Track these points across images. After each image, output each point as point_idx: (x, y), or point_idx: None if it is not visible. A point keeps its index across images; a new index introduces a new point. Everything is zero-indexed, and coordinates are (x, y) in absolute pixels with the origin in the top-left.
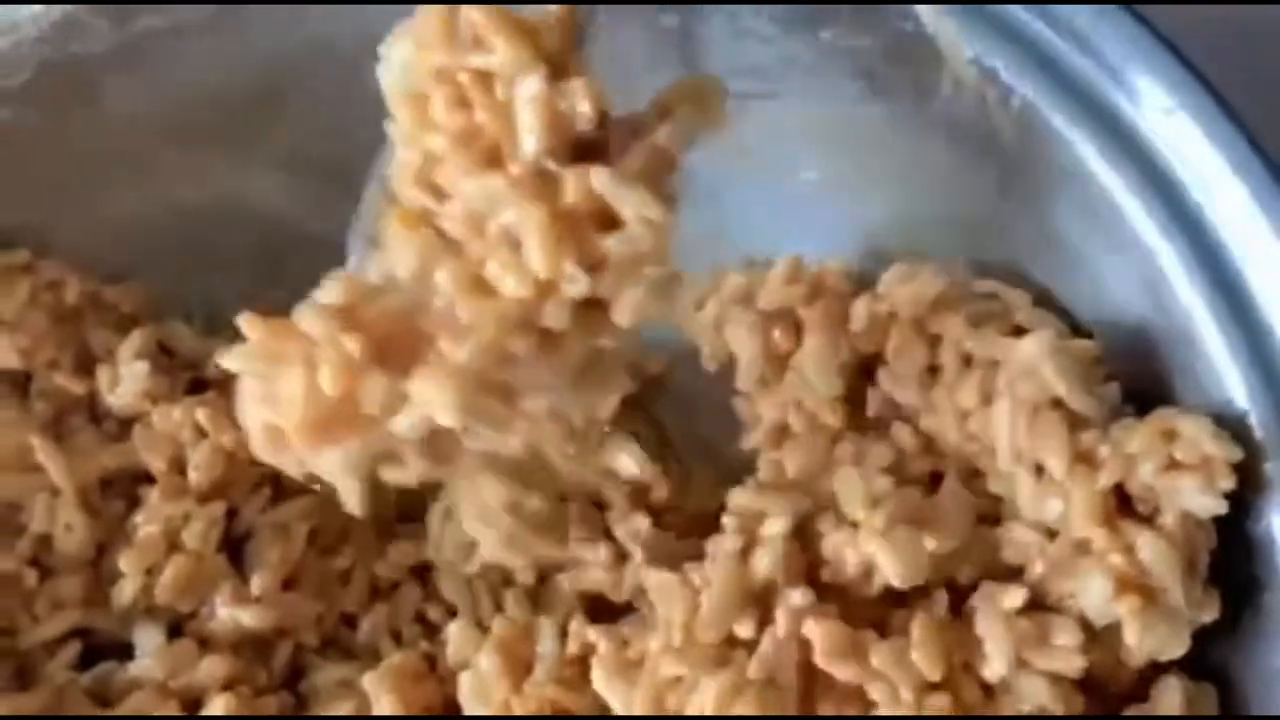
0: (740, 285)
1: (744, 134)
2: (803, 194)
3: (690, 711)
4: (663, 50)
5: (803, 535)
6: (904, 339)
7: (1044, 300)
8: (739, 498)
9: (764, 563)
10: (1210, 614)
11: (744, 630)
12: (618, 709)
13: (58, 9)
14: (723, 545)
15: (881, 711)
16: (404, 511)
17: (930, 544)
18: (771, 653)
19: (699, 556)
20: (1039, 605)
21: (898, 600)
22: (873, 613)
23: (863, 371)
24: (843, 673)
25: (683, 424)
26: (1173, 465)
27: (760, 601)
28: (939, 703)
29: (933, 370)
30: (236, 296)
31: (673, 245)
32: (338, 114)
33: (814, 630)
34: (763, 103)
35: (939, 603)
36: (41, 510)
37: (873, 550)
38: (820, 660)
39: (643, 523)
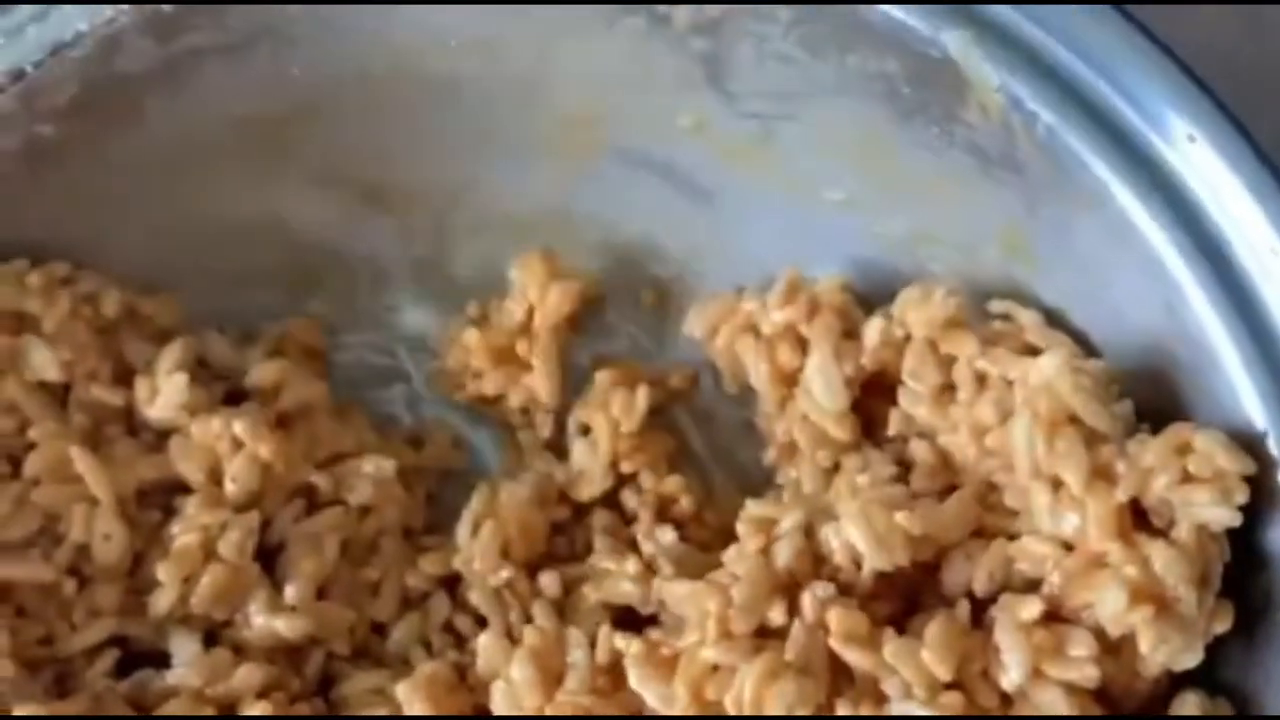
0: (747, 314)
1: (767, 155)
2: (825, 213)
3: (729, 698)
4: (691, 72)
5: (811, 543)
6: (918, 359)
7: (1056, 320)
8: (751, 510)
9: (784, 554)
10: (1223, 625)
11: (776, 616)
12: (655, 705)
13: (103, 29)
14: (743, 547)
15: (894, 707)
16: (432, 523)
17: (904, 523)
18: (802, 638)
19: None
20: (1056, 617)
21: (920, 606)
22: (895, 615)
23: (873, 389)
24: (856, 659)
25: (706, 437)
26: (1187, 479)
27: (787, 592)
28: (951, 701)
29: (947, 389)
30: (270, 310)
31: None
32: (373, 133)
33: (833, 615)
34: (786, 124)
35: (961, 612)
36: (80, 520)
37: (850, 531)
38: (835, 644)
39: (669, 535)
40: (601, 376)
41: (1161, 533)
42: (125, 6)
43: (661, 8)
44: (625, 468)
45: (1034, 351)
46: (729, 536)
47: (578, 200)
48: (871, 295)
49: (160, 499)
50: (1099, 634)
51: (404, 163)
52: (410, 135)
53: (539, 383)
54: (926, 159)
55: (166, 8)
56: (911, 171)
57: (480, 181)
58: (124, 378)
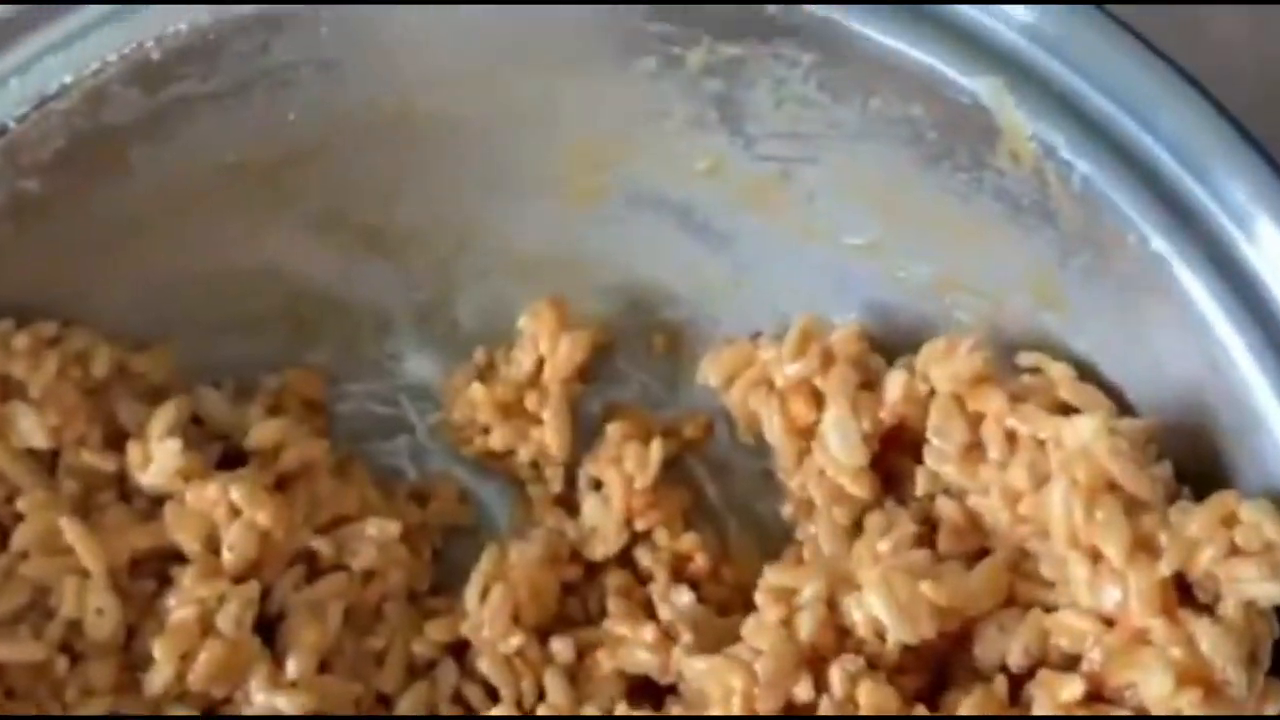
0: (762, 365)
1: (786, 198)
2: (846, 257)
3: None
4: (705, 114)
5: (833, 614)
6: (943, 416)
7: (1088, 373)
8: (770, 578)
9: (806, 626)
10: (1275, 707)
11: (803, 692)
12: None
13: (89, 80)
14: (763, 618)
15: None
16: (438, 582)
17: (929, 592)
18: (832, 715)
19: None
20: (1097, 696)
21: (952, 680)
22: (924, 690)
23: (894, 441)
24: None
25: (722, 488)
26: (1234, 551)
27: (811, 666)
28: None
29: (975, 447)
30: (269, 360)
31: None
32: (374, 176)
33: (862, 690)
34: (806, 167)
35: (998, 688)
36: (71, 594)
37: (872, 602)
38: None
39: (686, 597)
40: (613, 429)
41: (1207, 608)
42: (111, 57)
43: (675, 49)
44: (639, 525)
45: (1066, 408)
46: (747, 595)
47: (587, 242)
48: (894, 341)
49: (154, 567)
50: (1142, 715)
51: (406, 206)
52: (413, 177)
53: (549, 437)
54: (952, 204)
55: (154, 57)
56: (936, 217)
57: (486, 224)
58: (116, 440)
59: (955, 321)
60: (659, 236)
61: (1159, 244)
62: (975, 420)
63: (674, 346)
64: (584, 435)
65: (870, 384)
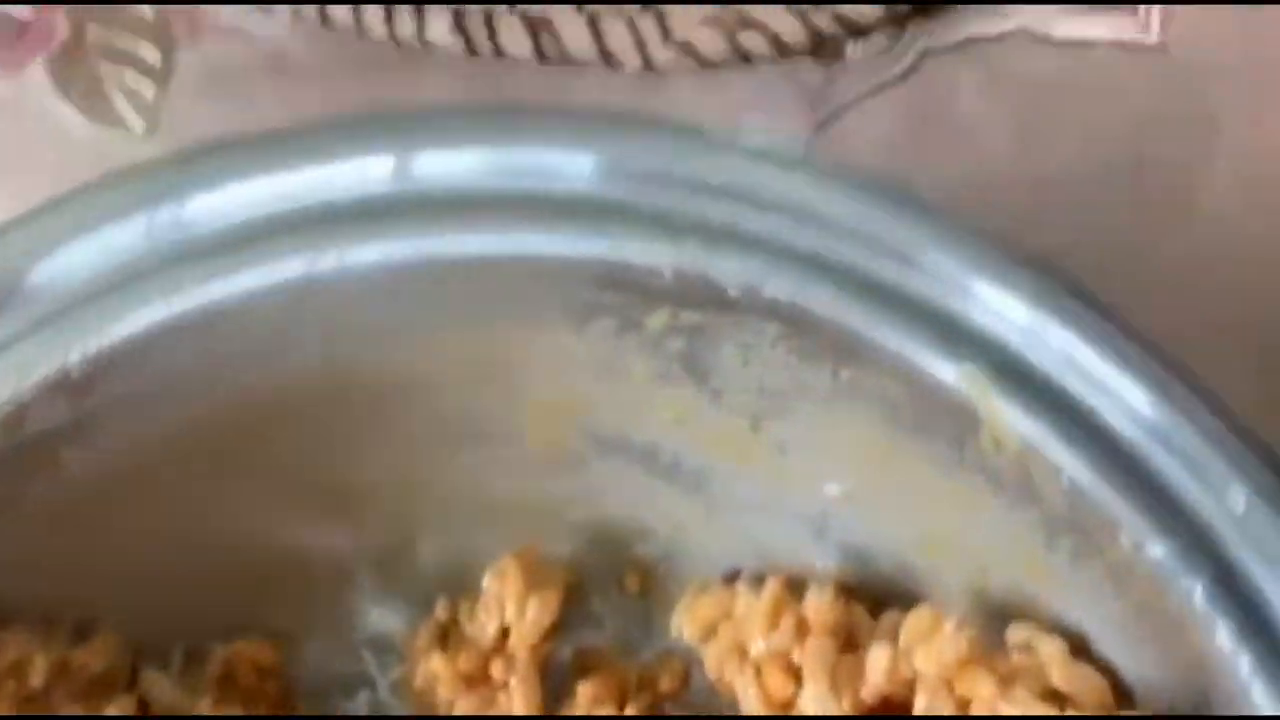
0: (736, 626)
1: (757, 448)
2: (823, 505)
3: None
4: (668, 368)
5: None
6: (931, 698)
7: (1080, 647)
8: None
9: None
10: None
11: None
12: None
13: (4, 409)
14: None
15: None
16: None
17: None
18: None
19: None
20: None
21: None
22: None
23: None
24: None
25: None
26: None
27: None
28: None
29: None
30: (222, 623)
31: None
32: (323, 441)
33: None
34: (777, 421)
35: None
36: None
37: None
38: None
39: None
40: (584, 690)
41: None
42: (26, 383)
43: (634, 313)
44: None
45: (1058, 695)
46: None
47: (553, 486)
48: (876, 588)
49: None
50: None
51: (360, 463)
52: (365, 436)
53: (517, 706)
54: (932, 471)
55: (74, 373)
56: (916, 481)
57: (445, 475)
58: None
59: (938, 581)
60: (627, 478)
61: (1154, 548)
62: (964, 702)
63: (648, 585)
64: (554, 681)
65: (852, 644)
